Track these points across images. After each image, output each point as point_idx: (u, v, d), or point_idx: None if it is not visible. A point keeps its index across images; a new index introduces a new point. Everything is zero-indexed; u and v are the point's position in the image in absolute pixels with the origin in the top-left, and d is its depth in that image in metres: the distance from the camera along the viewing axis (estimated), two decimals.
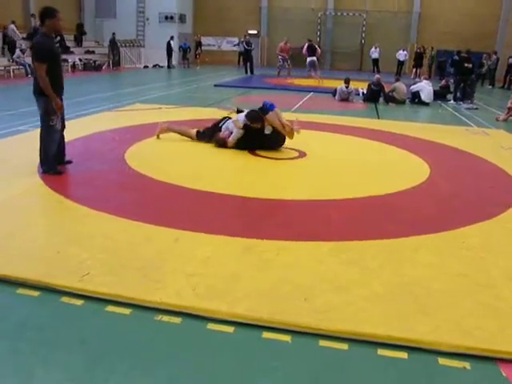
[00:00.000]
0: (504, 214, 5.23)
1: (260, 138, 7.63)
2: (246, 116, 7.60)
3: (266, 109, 7.65)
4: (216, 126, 8.02)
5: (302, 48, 21.99)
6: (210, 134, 7.98)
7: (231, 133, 7.70)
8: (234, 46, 29.01)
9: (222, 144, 7.69)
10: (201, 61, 29.73)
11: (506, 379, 2.66)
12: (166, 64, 28.08)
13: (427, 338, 2.92)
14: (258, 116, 7.58)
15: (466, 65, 15.85)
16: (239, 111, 8.22)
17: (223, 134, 7.78)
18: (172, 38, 28.13)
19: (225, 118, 8.19)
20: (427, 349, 2.87)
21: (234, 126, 7.65)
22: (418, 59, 26.78)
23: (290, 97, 15.53)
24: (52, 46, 5.91)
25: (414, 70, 26.80)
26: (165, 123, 8.40)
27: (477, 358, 2.81)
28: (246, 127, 7.57)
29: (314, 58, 21.11)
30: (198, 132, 8.09)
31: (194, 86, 18.59)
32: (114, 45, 26.17)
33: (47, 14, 5.73)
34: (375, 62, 28.44)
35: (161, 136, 8.17)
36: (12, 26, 20.94)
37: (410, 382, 2.65)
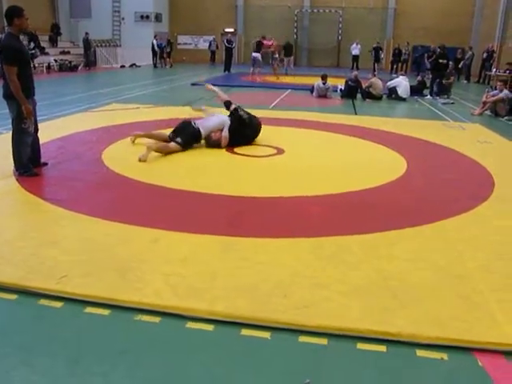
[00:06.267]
0: (480, 207, 5.31)
1: (243, 126, 7.94)
2: (241, 122, 7.92)
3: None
4: (194, 133, 7.58)
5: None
6: (192, 140, 7.59)
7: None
8: (210, 46, 29.30)
9: (218, 145, 7.66)
10: (174, 60, 29.51)
11: (482, 368, 2.71)
12: (145, 63, 28.00)
13: (406, 330, 2.95)
14: (244, 115, 8.06)
15: (440, 61, 16.06)
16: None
17: (215, 135, 7.69)
18: (155, 37, 27.98)
19: (187, 121, 7.81)
20: (406, 341, 2.90)
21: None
22: (376, 54, 27.15)
23: (267, 94, 15.56)
24: (21, 47, 5.77)
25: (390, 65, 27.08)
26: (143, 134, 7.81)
27: (454, 348, 2.86)
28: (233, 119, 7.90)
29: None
30: (176, 143, 7.34)
31: (172, 85, 18.48)
32: (87, 44, 25.85)
33: (15, 12, 5.55)
34: (355, 58, 27.97)
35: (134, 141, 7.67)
36: None
37: (389, 375, 2.68)
